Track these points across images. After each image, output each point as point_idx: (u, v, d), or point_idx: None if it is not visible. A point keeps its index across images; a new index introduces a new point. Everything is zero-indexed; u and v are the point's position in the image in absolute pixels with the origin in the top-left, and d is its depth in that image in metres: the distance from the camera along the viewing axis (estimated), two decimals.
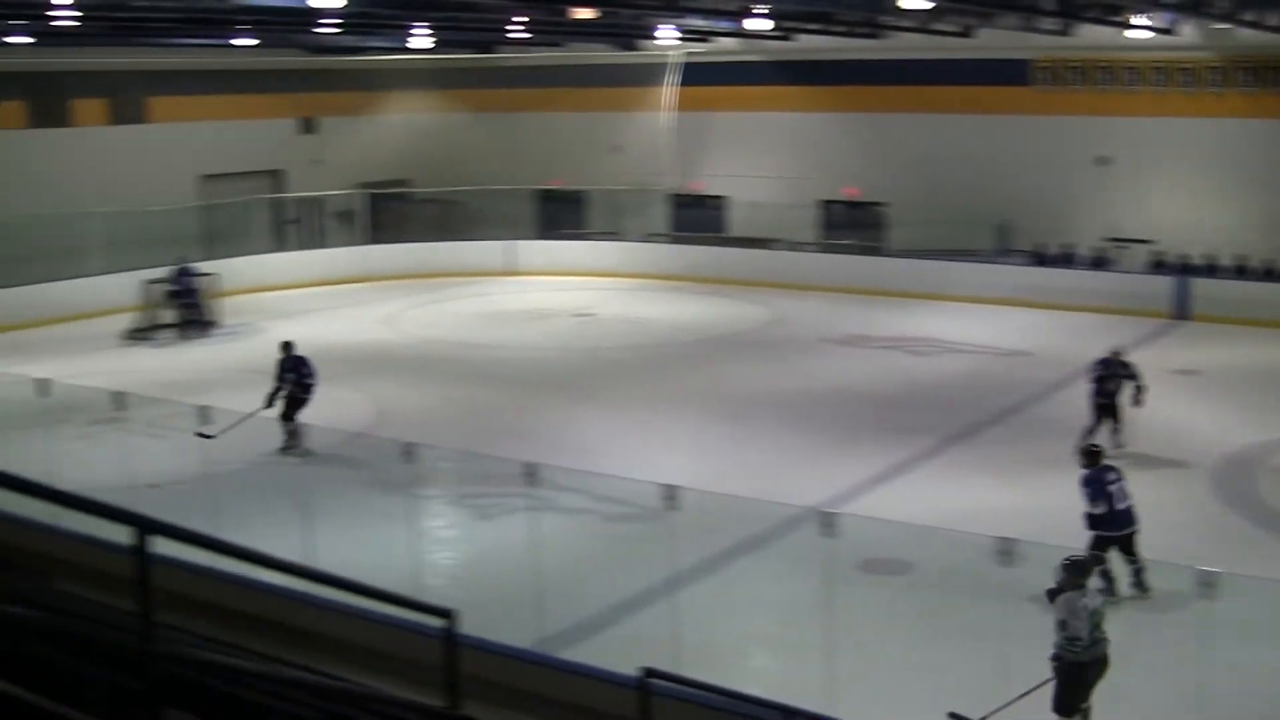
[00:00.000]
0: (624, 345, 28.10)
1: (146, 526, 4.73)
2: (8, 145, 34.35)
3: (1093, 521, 14.26)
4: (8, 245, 31.73)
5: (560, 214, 40.80)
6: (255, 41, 35.01)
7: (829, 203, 37.85)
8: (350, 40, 37.30)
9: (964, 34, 33.41)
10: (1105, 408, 19.79)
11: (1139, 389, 19.83)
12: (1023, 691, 10.78)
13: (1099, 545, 14.11)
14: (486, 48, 41.41)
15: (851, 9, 30.90)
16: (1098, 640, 11.10)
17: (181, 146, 37.70)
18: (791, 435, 20.75)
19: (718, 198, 39.47)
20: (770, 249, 36.86)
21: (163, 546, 4.68)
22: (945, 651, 12.76)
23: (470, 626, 8.22)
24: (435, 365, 26.38)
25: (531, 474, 13.30)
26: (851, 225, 37.16)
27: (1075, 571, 11.30)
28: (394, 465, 14.73)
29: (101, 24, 28.34)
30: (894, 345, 27.60)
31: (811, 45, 36.21)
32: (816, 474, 18.10)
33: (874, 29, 33.70)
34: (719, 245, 37.63)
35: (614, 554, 15.71)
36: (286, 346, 20.22)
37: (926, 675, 12.36)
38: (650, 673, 8.33)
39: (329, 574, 6.94)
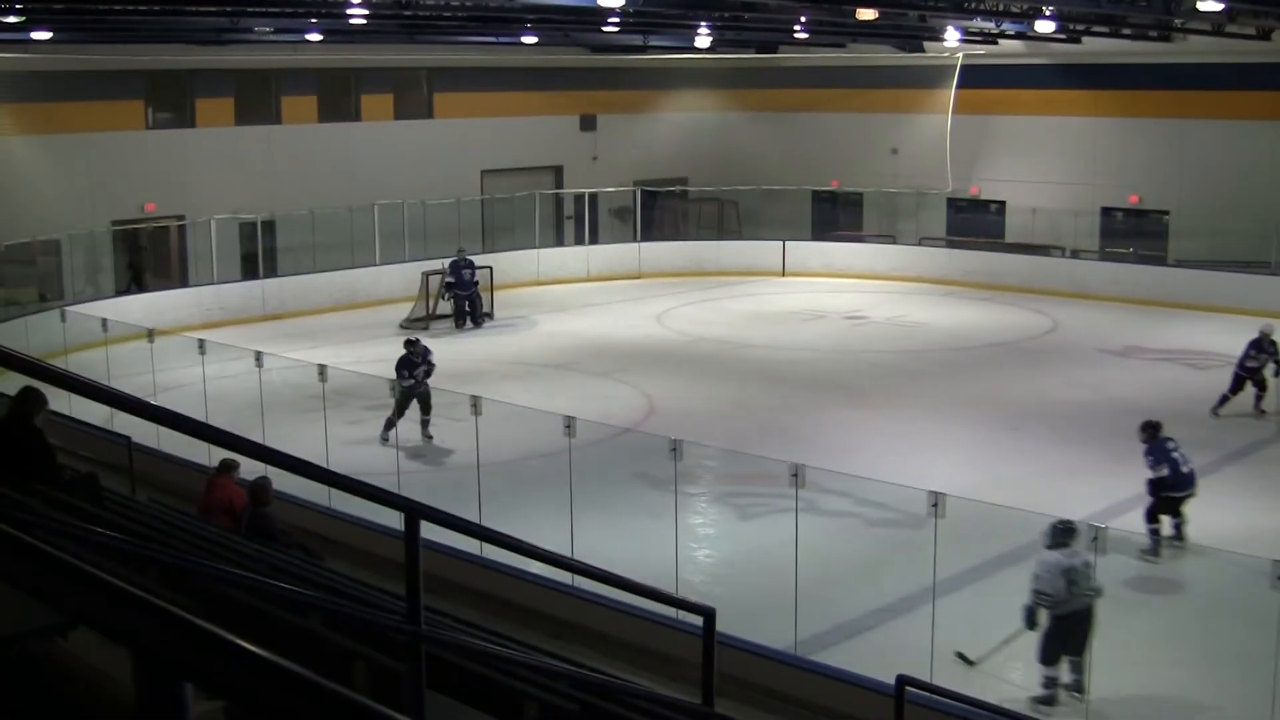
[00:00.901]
0: (896, 349, 27.88)
1: (417, 511, 4.87)
2: (301, 139, 35.61)
3: (1156, 485, 15.56)
4: (295, 235, 32.96)
5: (835, 215, 40.70)
6: (539, 39, 35.66)
7: (1110, 210, 36.97)
8: (632, 39, 37.71)
9: (1261, 37, 32.26)
10: (1242, 380, 22.21)
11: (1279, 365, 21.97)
12: (1004, 639, 12.25)
13: (1164, 507, 15.50)
14: (769, 48, 41.44)
15: (1143, 11, 30.11)
16: (1077, 597, 11.82)
17: (464, 141, 38.64)
18: (1063, 446, 20.29)
19: (995, 202, 38.89)
20: (1048, 255, 36.19)
21: (432, 532, 4.80)
22: (1216, 675, 12.38)
23: (728, 625, 8.28)
24: (705, 363, 26.53)
25: (796, 475, 13.26)
26: (1132, 233, 36.26)
27: (1060, 533, 12.24)
28: (661, 461, 14.83)
29: (390, 21, 29.18)
30: (1173, 358, 26.83)
31: (1097, 48, 35.36)
32: (1085, 487, 17.67)
33: (1165, 31, 32.78)
34: (995, 251, 37.07)
35: (875, 559, 15.62)
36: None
37: (1190, 696, 12.00)
38: (906, 681, 8.29)
39: (592, 566, 7.04)
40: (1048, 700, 11.95)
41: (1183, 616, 14.05)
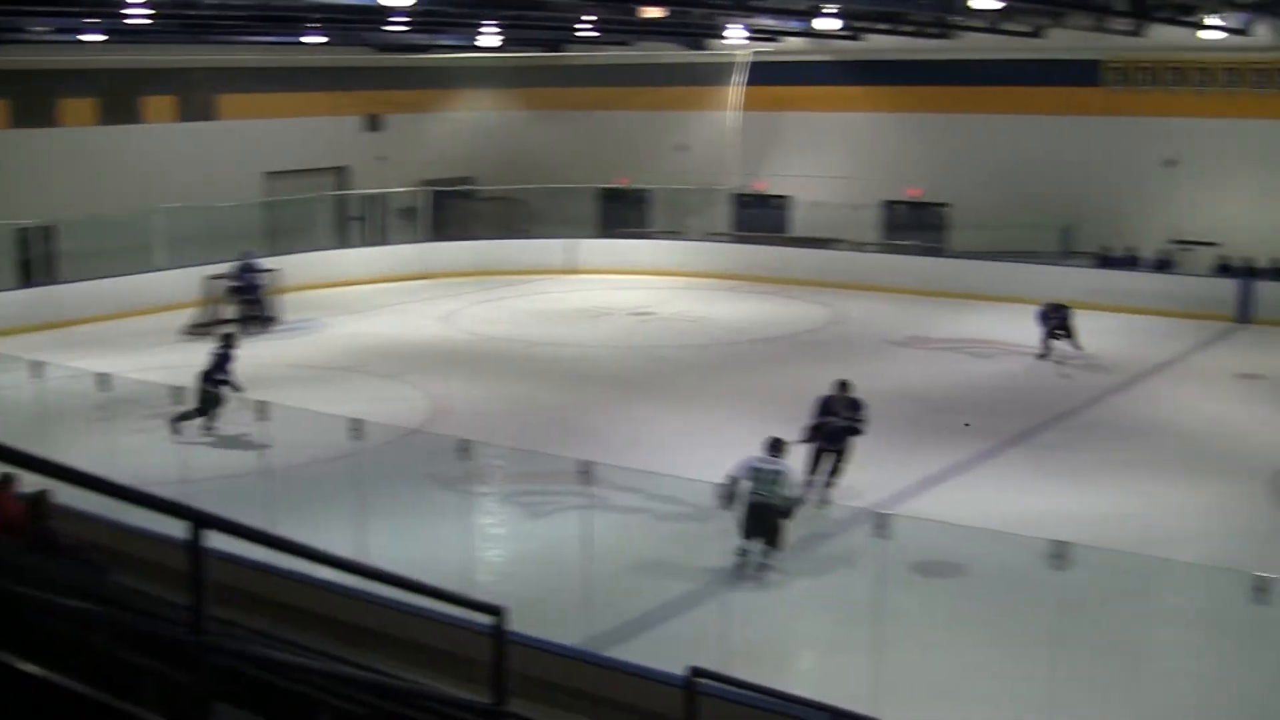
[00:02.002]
0: (683, 344, 28.17)
1: (201, 521, 4.84)
2: (79, 141, 34.78)
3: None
4: (75, 241, 32.15)
5: (623, 213, 40.92)
6: (324, 39, 35.29)
7: (892, 203, 37.80)
8: (418, 38, 37.55)
9: (1034, 34, 33.27)
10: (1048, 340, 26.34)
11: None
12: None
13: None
14: (555, 46, 41.53)
15: (922, 9, 30.84)
16: (763, 494, 14.41)
17: (249, 143, 38.11)
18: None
19: (781, 197, 39.49)
20: (832, 249, 36.86)
21: (218, 541, 4.79)
22: (995, 655, 12.76)
23: (519, 624, 8.32)
24: (493, 362, 26.54)
25: (585, 472, 13.36)
26: (914, 226, 37.13)
27: (770, 445, 15.01)
28: (449, 462, 14.83)
29: (172, 22, 28.62)
30: (954, 347, 27.57)
31: (880, 45, 36.14)
32: (872, 475, 18.06)
33: (944, 29, 33.60)
34: (781, 245, 37.67)
35: (665, 553, 15.78)
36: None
37: (975, 678, 12.35)
38: (698, 672, 8.41)
39: (380, 570, 7.04)
40: (738, 567, 14.54)
41: (964, 598, 14.43)
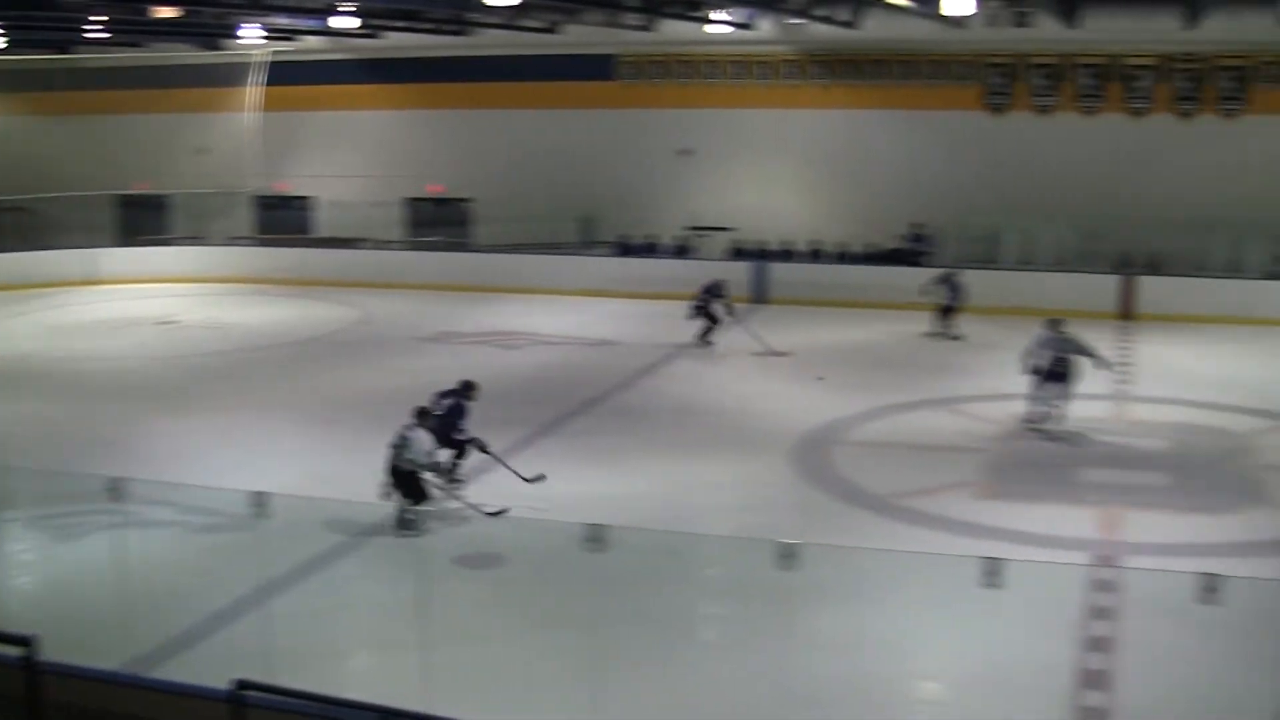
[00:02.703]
0: (211, 352, 27.47)
1: None
2: None
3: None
4: None
5: (143, 220, 39.59)
6: None
7: (415, 200, 37.91)
8: None
9: (550, 30, 33.91)
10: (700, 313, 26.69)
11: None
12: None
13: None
14: (63, 48, 39.83)
15: (438, 7, 31.01)
16: (403, 458, 15.65)
17: None
18: (382, 435, 20.58)
19: (303, 198, 39.06)
20: (357, 248, 36.70)
21: None
22: (541, 639, 12.93)
23: (54, 652, 8.01)
24: (11, 381, 25.25)
25: (114, 489, 12.90)
26: (438, 222, 37.34)
27: (416, 413, 16.26)
28: None
29: None
30: (484, 340, 27.82)
31: (399, 43, 36.21)
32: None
33: (461, 26, 33.87)
34: (305, 246, 37.29)
35: (204, 566, 15.35)
36: None
37: (521, 664, 12.49)
38: (243, 684, 8.27)
39: None
40: (394, 525, 15.57)
41: (506, 586, 14.59)
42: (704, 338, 26.75)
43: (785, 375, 24.80)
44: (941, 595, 13.31)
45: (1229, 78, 33.49)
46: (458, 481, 17.20)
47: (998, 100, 34.74)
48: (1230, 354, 27.08)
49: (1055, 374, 19.94)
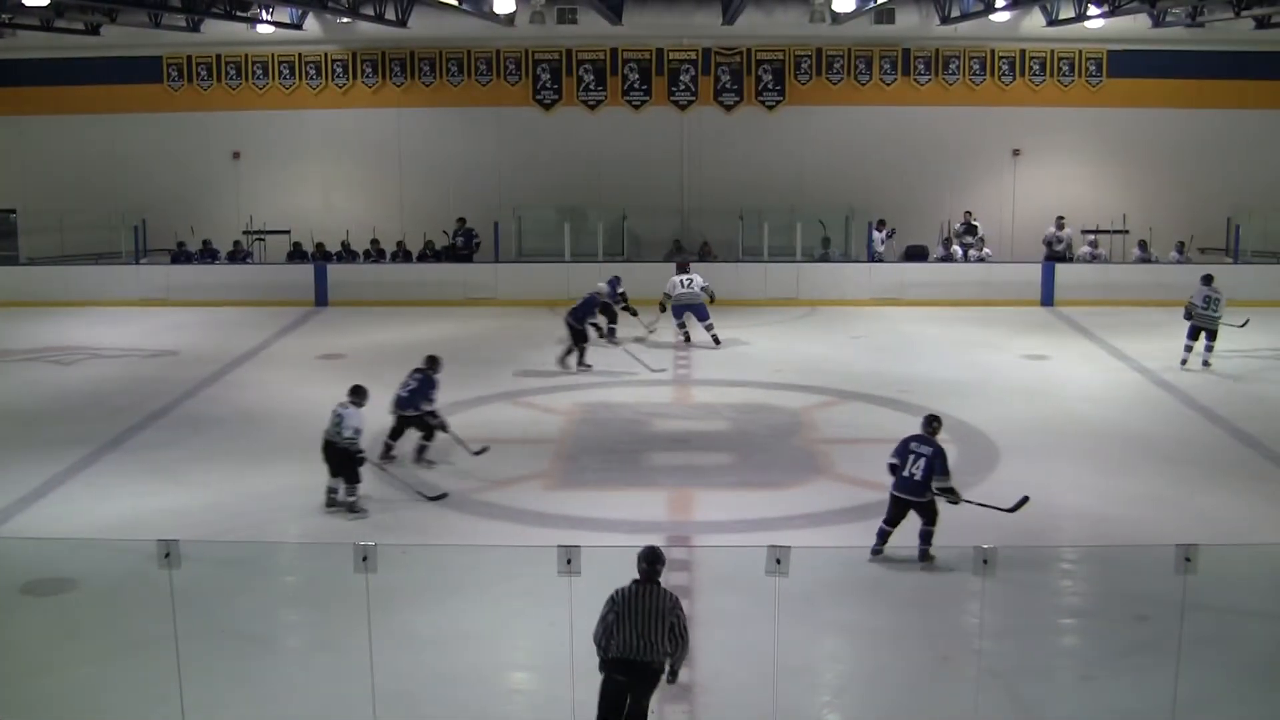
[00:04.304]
0: None
1: None
2: None
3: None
4: None
5: None
6: None
7: None
8: None
9: (92, 32, 32.76)
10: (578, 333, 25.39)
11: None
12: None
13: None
14: None
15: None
16: (330, 435, 16.67)
17: None
18: None
19: None
20: None
21: None
22: (115, 666, 12.51)
23: None
24: None
25: None
26: None
27: (351, 391, 17.15)
28: None
29: None
30: (37, 357, 26.64)
31: None
32: None
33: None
34: None
35: None
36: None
37: (94, 695, 12.08)
38: None
39: None
40: (327, 504, 16.79)
41: (77, 612, 14.09)
42: (582, 359, 25.13)
43: (350, 378, 24.66)
44: (523, 586, 13.60)
45: (767, 71, 35.10)
46: (392, 458, 18.48)
47: (547, 96, 35.44)
48: (781, 334, 28.43)
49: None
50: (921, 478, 14.43)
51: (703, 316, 26.79)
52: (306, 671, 12.41)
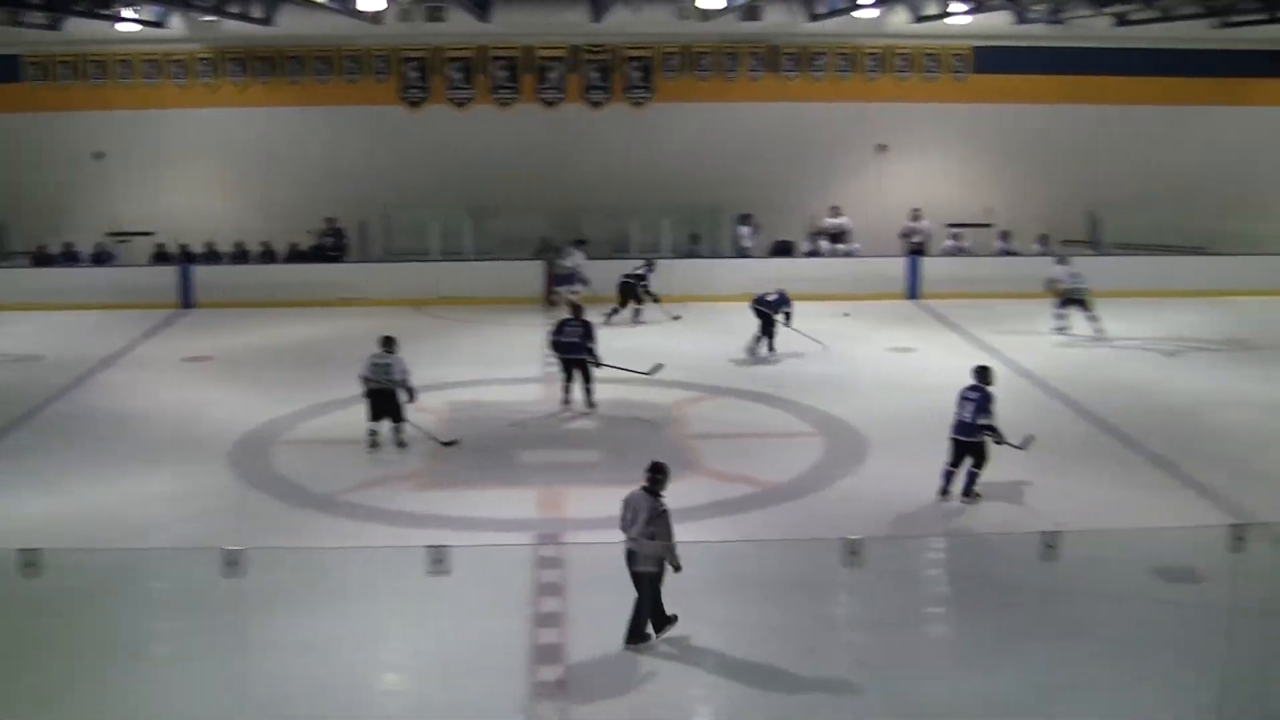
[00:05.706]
0: None
1: None
2: None
3: None
4: None
5: None
6: None
7: None
8: None
9: None
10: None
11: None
12: None
13: None
14: None
15: None
16: (378, 381, 19.19)
17: None
18: None
19: None
20: None
21: None
22: None
23: None
24: None
25: None
26: None
27: (384, 341, 19.31)
28: None
29: None
30: None
31: None
32: None
33: None
34: None
35: None
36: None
37: None
38: None
39: None
40: (371, 444, 19.40)
41: None
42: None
43: (217, 380, 24.49)
44: (393, 587, 13.58)
45: (635, 68, 35.22)
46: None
47: (415, 94, 35.26)
48: (652, 330, 28.53)
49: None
50: (970, 418, 16.82)
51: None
52: (175, 678, 12.29)
